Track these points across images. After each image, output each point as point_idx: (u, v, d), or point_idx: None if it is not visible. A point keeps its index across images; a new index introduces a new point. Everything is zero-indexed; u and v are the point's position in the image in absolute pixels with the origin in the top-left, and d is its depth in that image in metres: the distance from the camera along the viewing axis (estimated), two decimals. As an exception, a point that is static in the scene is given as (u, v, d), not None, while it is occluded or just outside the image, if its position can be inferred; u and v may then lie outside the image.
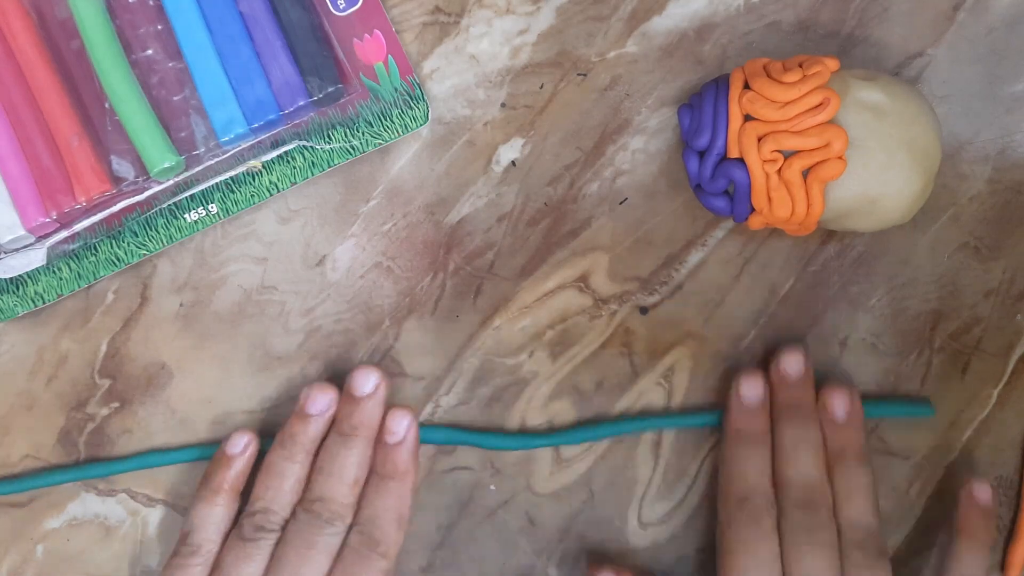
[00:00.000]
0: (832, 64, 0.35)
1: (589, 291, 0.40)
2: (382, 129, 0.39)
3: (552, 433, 0.39)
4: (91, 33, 0.38)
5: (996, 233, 0.40)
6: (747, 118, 0.35)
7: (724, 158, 0.35)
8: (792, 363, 0.37)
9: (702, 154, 0.36)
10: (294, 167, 0.39)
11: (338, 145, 0.39)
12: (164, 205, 0.38)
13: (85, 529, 0.39)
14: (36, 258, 0.38)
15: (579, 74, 0.40)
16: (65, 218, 0.38)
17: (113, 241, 0.38)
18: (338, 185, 0.40)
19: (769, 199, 0.35)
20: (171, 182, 0.38)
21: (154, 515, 0.39)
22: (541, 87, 0.40)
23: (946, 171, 0.40)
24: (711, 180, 0.36)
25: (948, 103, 0.40)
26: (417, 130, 0.39)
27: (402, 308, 0.40)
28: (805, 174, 0.34)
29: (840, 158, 0.34)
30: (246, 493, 0.37)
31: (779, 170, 0.34)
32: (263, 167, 0.39)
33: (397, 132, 0.39)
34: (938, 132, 0.36)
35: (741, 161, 0.35)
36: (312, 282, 0.39)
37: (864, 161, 0.34)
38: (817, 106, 0.34)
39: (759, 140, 0.34)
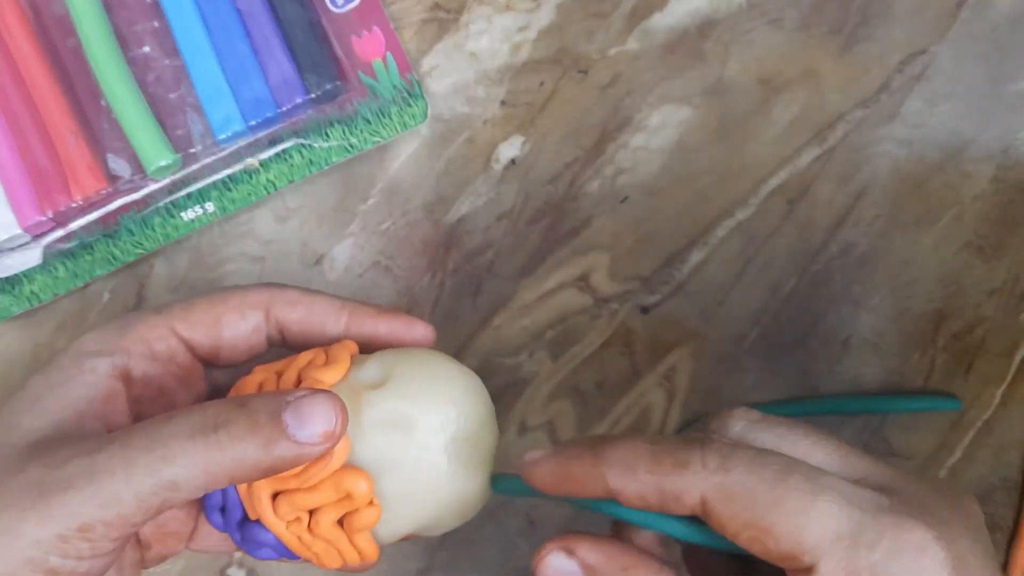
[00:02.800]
0: (331, 377, 0.28)
1: (590, 290, 0.39)
2: (380, 127, 0.39)
3: None
4: (87, 30, 0.37)
5: (1000, 232, 0.40)
6: None
7: (246, 519, 0.30)
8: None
9: (223, 511, 0.30)
10: (292, 165, 0.38)
11: (336, 143, 0.38)
12: (160, 203, 0.38)
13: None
14: (32, 257, 0.38)
15: (580, 71, 0.40)
16: (61, 217, 0.38)
17: (109, 240, 0.38)
18: (336, 183, 0.39)
19: (315, 554, 0.29)
20: (168, 180, 0.38)
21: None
22: (541, 84, 0.40)
23: (949, 169, 0.40)
24: (246, 544, 0.30)
25: (951, 101, 0.40)
26: (416, 128, 0.39)
27: (401, 307, 0.39)
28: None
29: (371, 503, 0.28)
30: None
31: (309, 527, 0.28)
32: (260, 165, 0.38)
33: (396, 130, 0.39)
34: (479, 399, 0.30)
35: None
36: (310, 281, 0.39)
37: (406, 491, 0.28)
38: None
39: (273, 498, 0.28)
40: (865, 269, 0.40)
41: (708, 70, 0.40)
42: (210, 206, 0.38)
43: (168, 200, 0.38)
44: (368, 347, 0.31)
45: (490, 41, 0.40)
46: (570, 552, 0.26)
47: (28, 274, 0.38)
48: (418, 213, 0.39)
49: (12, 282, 0.38)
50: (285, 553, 0.29)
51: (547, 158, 0.40)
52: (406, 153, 0.40)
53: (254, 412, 0.25)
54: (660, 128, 0.40)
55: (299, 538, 0.28)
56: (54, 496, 0.24)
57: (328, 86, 0.38)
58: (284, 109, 0.38)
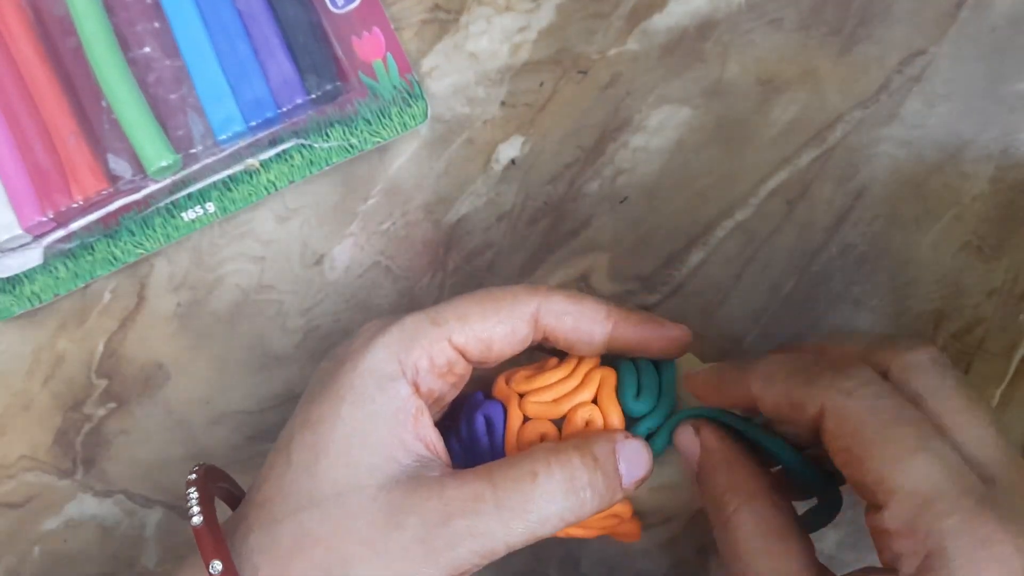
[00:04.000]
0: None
1: (589, 290, 0.39)
2: (381, 127, 0.39)
3: None
4: (88, 30, 0.37)
5: (999, 232, 0.40)
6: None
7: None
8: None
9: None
10: (292, 165, 0.38)
11: (336, 143, 0.39)
12: (161, 204, 0.38)
13: (82, 530, 0.39)
14: (33, 257, 0.38)
15: (579, 72, 0.40)
16: (62, 217, 0.38)
17: (110, 240, 0.38)
18: (336, 184, 0.40)
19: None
20: (168, 181, 0.38)
21: (152, 516, 0.39)
22: (541, 85, 0.40)
23: (949, 170, 0.40)
24: None
25: (951, 101, 0.40)
26: (416, 128, 0.39)
27: (401, 308, 0.39)
28: None
29: (632, 517, 0.33)
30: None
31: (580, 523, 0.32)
32: (261, 165, 0.38)
33: (396, 130, 0.39)
34: None
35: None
36: (310, 281, 0.39)
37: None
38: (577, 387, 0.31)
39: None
40: (864, 269, 0.40)
41: (708, 71, 0.40)
42: (211, 206, 0.38)
43: (169, 200, 0.38)
44: (628, 351, 0.32)
45: (490, 42, 0.40)
46: (696, 430, 0.31)
47: (29, 274, 0.38)
48: (418, 213, 0.39)
49: (13, 282, 0.38)
50: None
51: (547, 158, 0.40)
52: (406, 153, 0.40)
53: (606, 467, 0.29)
54: (660, 129, 0.40)
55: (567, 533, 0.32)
56: (442, 554, 0.27)
57: (328, 87, 0.38)
58: (284, 109, 0.38)
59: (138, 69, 0.38)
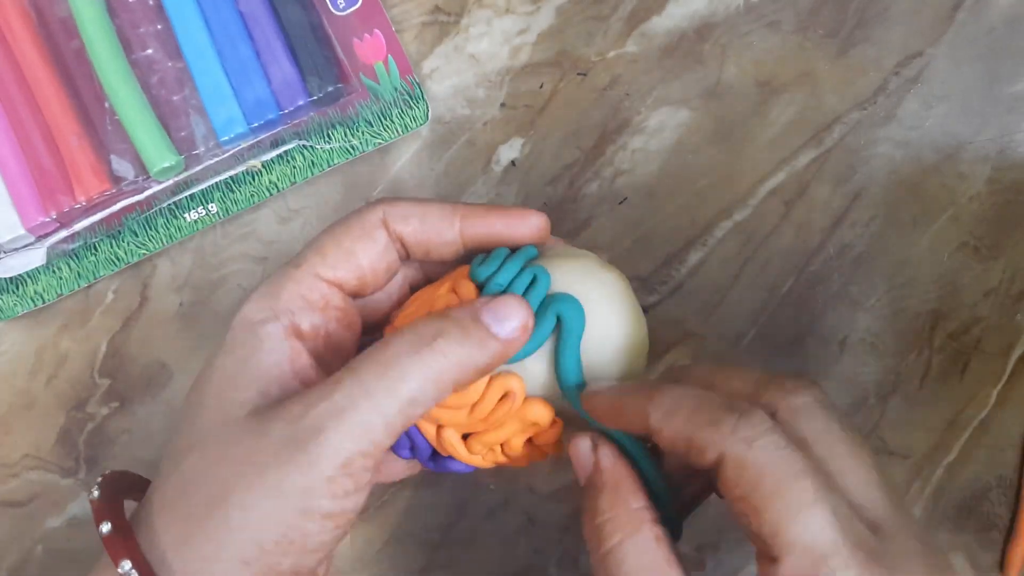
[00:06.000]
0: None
1: (589, 291, 0.39)
2: (382, 129, 0.39)
3: None
4: (91, 32, 0.38)
5: (996, 233, 0.40)
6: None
7: (436, 454, 0.32)
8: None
9: (412, 450, 0.32)
10: (294, 167, 0.39)
11: (338, 145, 0.39)
12: (164, 205, 0.38)
13: (85, 528, 0.39)
14: (36, 258, 0.38)
15: (579, 74, 0.40)
16: (65, 218, 0.38)
17: (113, 241, 0.38)
18: (338, 185, 0.40)
19: (513, 461, 0.32)
20: (171, 182, 0.38)
21: (154, 514, 0.39)
22: (541, 87, 0.40)
23: (946, 171, 0.40)
24: (440, 469, 0.32)
25: (948, 103, 0.40)
26: (417, 130, 0.39)
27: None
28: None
29: (554, 422, 0.31)
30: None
31: (502, 451, 0.31)
32: (263, 167, 0.39)
33: (397, 132, 0.39)
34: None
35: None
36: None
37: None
38: (503, 398, 0.30)
39: (465, 439, 0.31)
40: (862, 269, 0.40)
41: (706, 72, 0.40)
42: (213, 207, 0.39)
43: (171, 201, 0.38)
44: (484, 246, 0.31)
45: (490, 44, 0.40)
46: (595, 446, 0.29)
47: (32, 274, 0.38)
48: (419, 214, 0.40)
49: (16, 282, 0.38)
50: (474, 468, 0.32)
51: (547, 159, 0.40)
52: (407, 154, 0.40)
53: (460, 320, 0.28)
54: (659, 130, 0.40)
55: (493, 460, 0.31)
56: (310, 444, 0.25)
57: (330, 88, 0.38)
58: (286, 111, 0.38)
59: (141, 71, 0.38)
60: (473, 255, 0.31)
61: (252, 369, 0.28)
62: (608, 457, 0.29)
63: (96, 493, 0.27)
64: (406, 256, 0.31)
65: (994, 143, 0.40)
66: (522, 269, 0.30)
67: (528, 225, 0.31)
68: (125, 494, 0.29)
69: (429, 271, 0.33)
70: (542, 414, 0.30)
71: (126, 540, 0.26)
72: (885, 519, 0.26)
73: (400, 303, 0.32)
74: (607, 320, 0.30)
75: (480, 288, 0.30)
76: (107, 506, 0.27)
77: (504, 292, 0.29)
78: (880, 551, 0.25)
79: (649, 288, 0.40)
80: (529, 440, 0.31)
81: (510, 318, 0.28)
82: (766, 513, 0.25)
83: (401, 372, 0.26)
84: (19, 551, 0.39)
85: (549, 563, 0.39)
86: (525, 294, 0.29)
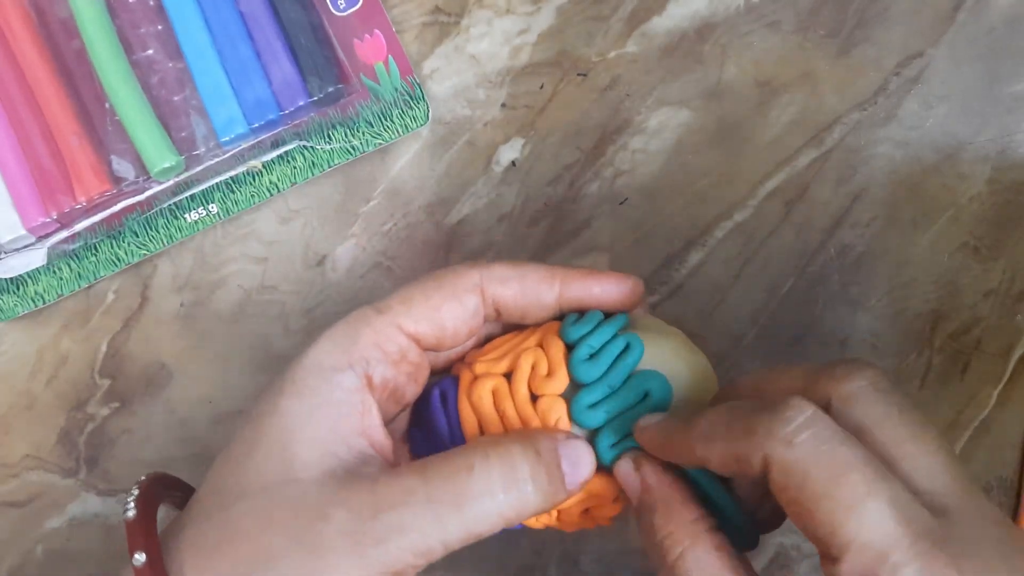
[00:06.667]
0: (557, 388, 0.30)
1: (589, 291, 0.40)
2: (382, 129, 0.39)
3: None
4: (91, 33, 0.38)
5: (996, 233, 0.40)
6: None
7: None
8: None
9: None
10: (294, 167, 0.39)
11: (338, 145, 0.39)
12: (164, 205, 0.38)
13: (85, 529, 0.39)
14: (36, 258, 0.38)
15: (579, 74, 0.40)
16: (65, 218, 0.38)
17: (113, 241, 0.38)
18: (338, 185, 0.40)
19: (563, 526, 0.32)
20: (171, 182, 0.38)
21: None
22: (541, 87, 0.40)
23: (946, 171, 0.40)
24: None
25: (948, 103, 0.40)
26: (417, 130, 0.39)
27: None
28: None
29: (615, 500, 0.30)
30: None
31: (559, 517, 0.31)
32: (263, 167, 0.39)
33: (397, 132, 0.39)
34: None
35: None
36: (312, 282, 0.39)
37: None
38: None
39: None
40: (862, 270, 0.40)
41: (706, 73, 0.40)
42: (213, 207, 0.39)
43: (172, 202, 0.38)
44: (578, 308, 0.31)
45: (490, 44, 0.40)
46: (637, 465, 0.29)
47: (33, 275, 0.38)
48: (419, 214, 0.40)
49: (17, 283, 0.38)
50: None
51: (547, 160, 0.40)
52: (408, 155, 0.40)
53: (550, 465, 0.27)
54: (659, 130, 0.40)
55: (545, 524, 0.31)
56: (369, 549, 0.25)
57: (330, 89, 0.38)
58: (287, 111, 0.38)
59: (141, 71, 0.38)
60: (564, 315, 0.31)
61: (321, 424, 0.27)
62: (652, 474, 0.28)
63: (132, 513, 0.27)
64: (496, 317, 0.31)
65: (994, 143, 0.40)
66: (616, 335, 0.30)
67: (625, 290, 0.31)
68: (162, 500, 0.29)
69: (509, 324, 0.32)
70: (605, 489, 0.30)
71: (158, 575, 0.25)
72: (953, 503, 0.25)
73: (473, 349, 0.32)
74: (688, 403, 0.30)
75: (569, 348, 0.29)
76: (143, 530, 0.26)
77: (596, 356, 0.29)
78: (946, 537, 0.23)
79: (649, 288, 0.40)
80: (586, 511, 0.31)
81: (583, 472, 0.28)
82: (818, 513, 0.24)
83: (481, 511, 0.26)
84: (19, 551, 0.39)
85: (549, 563, 0.39)
86: (617, 361, 0.29)
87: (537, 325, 0.31)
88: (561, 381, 0.29)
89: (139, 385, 0.39)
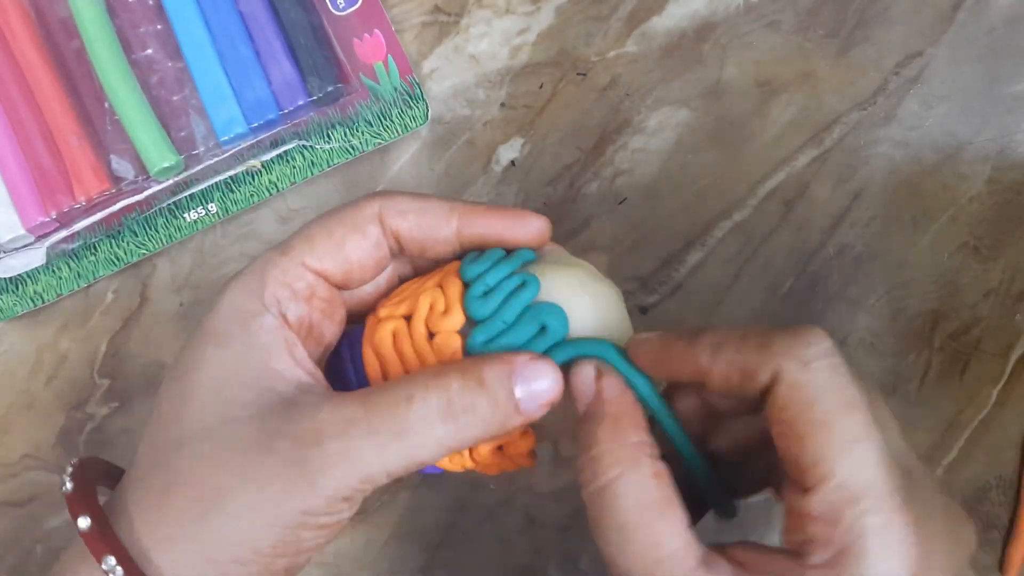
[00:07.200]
0: (453, 324, 0.29)
1: (589, 291, 0.40)
2: (382, 129, 0.39)
3: None
4: (91, 32, 0.38)
5: (996, 233, 0.40)
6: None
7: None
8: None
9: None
10: (294, 167, 0.39)
11: (337, 145, 0.39)
12: (164, 204, 0.38)
13: (85, 528, 0.39)
14: (36, 258, 0.38)
15: (579, 74, 0.40)
16: (65, 218, 0.38)
17: (113, 240, 0.38)
18: (338, 185, 0.40)
19: (476, 468, 0.31)
20: (171, 181, 0.38)
21: (154, 514, 0.39)
22: (541, 87, 0.40)
23: (946, 171, 0.40)
24: None
25: (947, 103, 0.40)
26: (417, 130, 0.39)
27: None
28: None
29: (525, 432, 0.29)
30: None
31: (470, 456, 0.30)
32: (263, 166, 0.39)
33: (397, 132, 0.39)
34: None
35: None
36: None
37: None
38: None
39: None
40: (862, 270, 0.40)
41: (706, 72, 0.40)
42: (213, 207, 0.39)
43: (171, 201, 0.38)
44: (481, 247, 0.30)
45: (490, 44, 0.40)
46: (600, 375, 0.28)
47: (32, 274, 0.38)
48: (419, 214, 0.40)
49: (16, 282, 0.38)
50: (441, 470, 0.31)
51: (546, 160, 0.40)
52: (407, 154, 0.40)
53: (494, 391, 0.26)
54: (658, 130, 0.40)
55: (462, 465, 0.30)
56: (316, 475, 0.25)
57: (330, 88, 0.38)
58: (286, 111, 0.38)
59: (140, 71, 0.38)
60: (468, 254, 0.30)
61: (253, 365, 0.27)
62: (613, 387, 0.27)
63: (69, 485, 0.27)
64: (399, 251, 0.30)
65: (994, 143, 0.40)
66: (513, 273, 0.29)
67: (528, 227, 0.30)
68: (98, 483, 0.29)
69: (420, 267, 0.32)
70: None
71: (108, 535, 0.25)
72: (915, 467, 0.25)
73: (387, 294, 0.32)
74: (592, 334, 0.29)
75: (467, 286, 0.29)
76: (82, 498, 0.26)
77: (491, 292, 0.28)
78: (912, 498, 0.24)
79: (649, 288, 0.40)
80: (499, 448, 0.30)
81: (541, 395, 0.27)
82: (811, 439, 0.24)
83: (420, 440, 0.26)
84: (19, 551, 0.39)
85: (549, 563, 0.39)
86: (511, 296, 0.28)
87: (442, 266, 0.31)
88: (456, 318, 0.29)
89: (138, 385, 0.39)
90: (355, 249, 0.29)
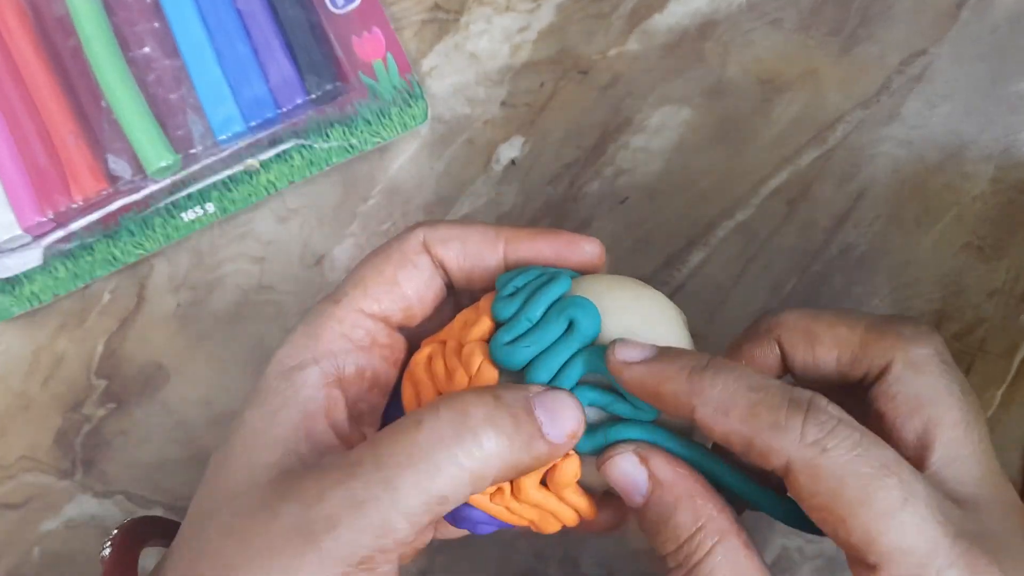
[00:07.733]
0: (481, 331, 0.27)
1: (590, 291, 0.39)
2: (381, 127, 0.39)
3: None
4: (88, 30, 0.37)
5: (1000, 232, 0.40)
6: None
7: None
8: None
9: None
10: (292, 166, 0.38)
11: (336, 144, 0.39)
12: (161, 204, 0.38)
13: (82, 531, 0.39)
14: (32, 258, 0.38)
15: (580, 72, 0.40)
16: (61, 217, 0.38)
17: (110, 240, 0.38)
18: (336, 184, 0.40)
19: (531, 521, 0.27)
20: (168, 181, 0.38)
21: (151, 517, 0.39)
22: (541, 85, 0.40)
23: (949, 170, 0.40)
24: (461, 523, 0.28)
25: (951, 102, 0.40)
26: (416, 128, 0.39)
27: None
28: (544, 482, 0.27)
29: (568, 455, 0.26)
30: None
31: (513, 495, 0.26)
32: (261, 166, 0.38)
33: (396, 130, 0.39)
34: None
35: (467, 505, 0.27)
36: (310, 282, 0.39)
37: None
38: None
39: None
40: (865, 269, 0.40)
41: (708, 71, 0.40)
42: (210, 207, 0.38)
43: (168, 201, 0.38)
44: None
45: (490, 42, 0.40)
46: (644, 460, 0.25)
47: (28, 275, 0.38)
48: (418, 214, 0.39)
49: (12, 283, 0.38)
50: (503, 524, 0.28)
51: (547, 159, 0.40)
52: (406, 154, 0.40)
53: (512, 407, 0.24)
54: (660, 129, 0.40)
55: (507, 508, 0.27)
56: (322, 537, 0.22)
57: (328, 87, 0.38)
58: (284, 110, 0.38)
59: (138, 69, 0.38)
60: None
61: (282, 424, 0.25)
62: (665, 468, 0.25)
63: (107, 551, 0.25)
64: (448, 281, 0.29)
65: (998, 142, 0.40)
66: (544, 273, 0.27)
67: (580, 252, 0.28)
68: (150, 542, 0.27)
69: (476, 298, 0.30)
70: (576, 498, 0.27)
71: None
72: (981, 493, 0.24)
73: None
74: (636, 338, 0.26)
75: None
76: (115, 568, 0.25)
77: (518, 293, 0.26)
78: (979, 532, 0.23)
79: (650, 288, 0.39)
80: (544, 484, 0.27)
81: (563, 420, 0.25)
82: (854, 521, 0.23)
83: (434, 465, 0.23)
84: (15, 554, 0.39)
85: (550, 566, 0.39)
86: (535, 293, 0.26)
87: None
88: (483, 326, 0.27)
89: (136, 386, 0.39)
90: (409, 283, 0.28)
